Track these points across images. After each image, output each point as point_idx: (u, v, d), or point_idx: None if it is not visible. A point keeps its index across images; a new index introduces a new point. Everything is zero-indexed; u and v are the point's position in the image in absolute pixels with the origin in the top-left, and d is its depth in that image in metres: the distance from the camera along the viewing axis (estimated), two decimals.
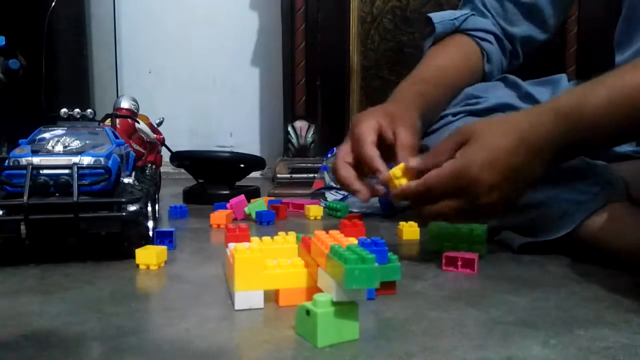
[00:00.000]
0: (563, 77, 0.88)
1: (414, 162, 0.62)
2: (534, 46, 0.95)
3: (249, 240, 0.56)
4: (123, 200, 0.66)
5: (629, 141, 0.75)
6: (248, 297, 0.49)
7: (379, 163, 0.65)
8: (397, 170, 0.63)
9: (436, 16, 0.90)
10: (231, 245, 0.56)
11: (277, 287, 0.50)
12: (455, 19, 0.89)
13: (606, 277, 0.59)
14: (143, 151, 0.97)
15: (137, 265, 0.64)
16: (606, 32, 0.89)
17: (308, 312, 0.42)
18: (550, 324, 0.46)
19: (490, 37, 0.89)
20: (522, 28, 0.91)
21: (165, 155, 1.15)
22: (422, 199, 0.61)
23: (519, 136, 0.57)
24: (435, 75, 0.82)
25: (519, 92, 0.84)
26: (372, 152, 0.66)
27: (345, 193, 1.18)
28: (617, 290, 0.54)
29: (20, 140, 0.70)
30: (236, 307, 0.49)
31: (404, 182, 0.63)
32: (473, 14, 0.90)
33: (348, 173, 0.68)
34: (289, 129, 1.44)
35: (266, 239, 0.57)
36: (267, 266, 0.50)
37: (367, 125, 0.68)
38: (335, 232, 0.50)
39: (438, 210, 0.60)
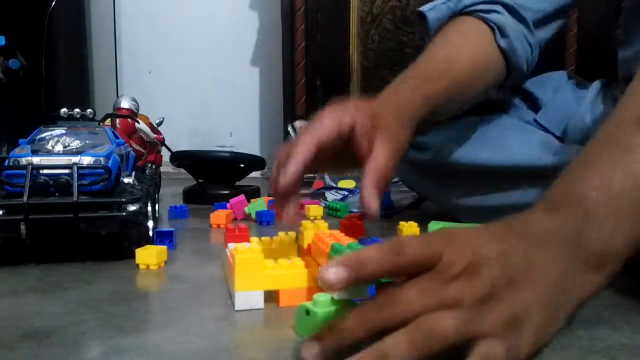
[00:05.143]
0: (563, 76, 0.88)
1: (332, 275, 0.35)
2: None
3: (248, 240, 0.56)
4: (123, 200, 0.66)
5: None
6: (248, 297, 0.49)
7: (291, 164, 0.50)
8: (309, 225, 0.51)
9: (427, 6, 0.78)
10: (231, 245, 0.56)
11: (278, 287, 0.50)
12: (449, 0, 0.76)
13: None
14: (143, 151, 0.97)
15: (137, 265, 0.64)
16: (606, 32, 0.89)
17: (308, 311, 0.42)
18: None
19: (497, 7, 0.74)
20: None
21: (165, 155, 1.15)
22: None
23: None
24: (440, 69, 0.67)
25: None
26: (301, 153, 0.50)
27: (346, 193, 1.18)
28: (617, 291, 0.54)
29: (20, 140, 0.70)
30: (236, 308, 0.49)
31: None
32: None
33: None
34: (289, 128, 1.44)
35: (265, 239, 0.57)
36: (268, 266, 0.50)
37: (330, 117, 0.52)
38: (335, 232, 0.49)
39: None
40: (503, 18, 0.73)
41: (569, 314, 0.39)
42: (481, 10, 0.74)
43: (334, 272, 0.35)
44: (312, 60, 1.43)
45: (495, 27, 0.73)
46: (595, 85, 0.83)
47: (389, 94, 0.62)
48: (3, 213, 0.63)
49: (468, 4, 0.74)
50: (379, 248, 0.36)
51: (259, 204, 0.98)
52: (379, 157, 0.51)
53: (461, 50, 0.71)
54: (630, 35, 0.78)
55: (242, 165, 1.24)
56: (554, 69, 0.95)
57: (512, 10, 0.75)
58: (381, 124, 0.53)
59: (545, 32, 0.79)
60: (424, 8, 0.78)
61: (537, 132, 0.83)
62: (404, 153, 0.57)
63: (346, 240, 0.46)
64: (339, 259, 0.36)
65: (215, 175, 1.22)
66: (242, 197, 1.00)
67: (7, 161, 0.65)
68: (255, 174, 1.55)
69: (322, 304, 0.41)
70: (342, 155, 0.54)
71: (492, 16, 0.73)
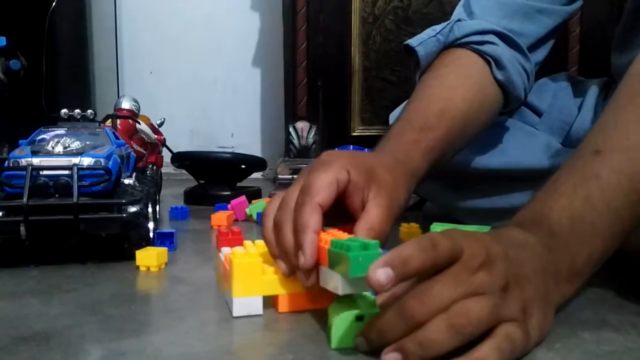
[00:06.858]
0: (560, 80, 0.87)
1: (382, 275, 0.36)
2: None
3: (242, 244, 0.55)
4: (123, 201, 0.66)
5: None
6: (246, 303, 0.48)
7: (307, 240, 0.44)
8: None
9: (414, 40, 0.73)
10: (225, 249, 0.56)
11: (276, 292, 0.49)
12: (437, 33, 0.71)
13: (610, 279, 0.59)
14: (144, 152, 0.97)
15: (138, 267, 0.64)
16: (608, 33, 0.89)
17: (360, 317, 0.40)
18: (553, 327, 0.45)
19: (490, 37, 0.70)
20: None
21: (166, 156, 1.14)
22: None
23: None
24: (437, 115, 0.63)
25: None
26: (309, 220, 0.45)
27: None
28: (621, 293, 0.54)
29: (20, 141, 0.70)
30: (234, 314, 0.48)
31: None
32: (459, 20, 0.72)
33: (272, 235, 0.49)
34: (290, 129, 1.43)
35: (259, 242, 0.56)
36: (266, 271, 0.49)
37: (327, 177, 0.47)
38: (333, 230, 0.48)
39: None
40: (498, 49, 0.70)
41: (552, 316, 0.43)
42: (474, 42, 0.70)
43: (383, 273, 0.36)
44: (313, 61, 1.43)
45: (491, 60, 0.70)
46: (594, 89, 0.83)
47: (387, 147, 0.59)
48: (3, 214, 0.63)
49: (459, 36, 0.70)
50: (416, 245, 0.38)
51: (260, 205, 0.97)
52: (372, 217, 0.48)
53: (457, 91, 0.67)
54: (629, 39, 0.78)
55: (243, 166, 1.24)
56: (557, 70, 0.94)
57: (506, 38, 0.71)
58: (376, 181, 0.50)
59: (540, 54, 0.77)
60: (411, 42, 0.73)
61: (540, 135, 0.83)
62: (400, 213, 0.53)
63: (346, 237, 0.45)
64: (383, 259, 0.37)
65: (217, 176, 1.21)
66: (243, 198, 1.00)
67: (7, 162, 0.65)
68: (256, 175, 1.55)
69: (362, 305, 0.40)
70: (336, 208, 0.49)
71: (486, 48, 0.70)
